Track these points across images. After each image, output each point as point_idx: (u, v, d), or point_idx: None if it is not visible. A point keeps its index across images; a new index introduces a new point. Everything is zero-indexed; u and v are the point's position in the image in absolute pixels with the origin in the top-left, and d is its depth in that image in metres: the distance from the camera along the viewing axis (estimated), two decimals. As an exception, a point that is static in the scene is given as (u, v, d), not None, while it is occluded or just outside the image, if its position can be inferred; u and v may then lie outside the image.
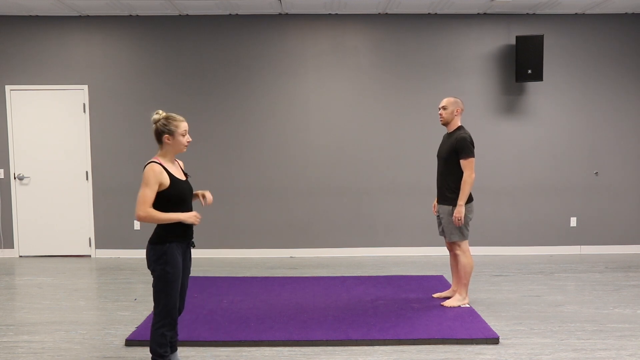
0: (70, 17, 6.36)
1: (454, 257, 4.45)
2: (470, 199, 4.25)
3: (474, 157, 4.18)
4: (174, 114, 2.96)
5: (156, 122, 2.92)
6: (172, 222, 2.84)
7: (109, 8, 6.07)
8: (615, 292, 4.84)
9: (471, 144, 4.20)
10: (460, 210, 4.15)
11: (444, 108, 4.33)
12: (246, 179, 6.50)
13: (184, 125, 2.94)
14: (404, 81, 6.44)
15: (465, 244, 4.29)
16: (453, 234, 4.26)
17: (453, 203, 4.22)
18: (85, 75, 6.41)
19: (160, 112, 2.94)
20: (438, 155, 4.45)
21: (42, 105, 6.45)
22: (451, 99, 4.33)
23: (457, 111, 4.31)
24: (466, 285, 4.32)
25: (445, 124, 4.37)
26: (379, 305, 4.42)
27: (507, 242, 6.46)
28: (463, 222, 4.18)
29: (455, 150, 4.21)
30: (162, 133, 2.91)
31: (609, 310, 4.33)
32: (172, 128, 2.91)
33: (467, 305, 4.34)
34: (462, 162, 4.17)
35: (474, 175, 4.16)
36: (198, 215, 2.91)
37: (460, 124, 4.34)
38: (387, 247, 6.52)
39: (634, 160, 6.52)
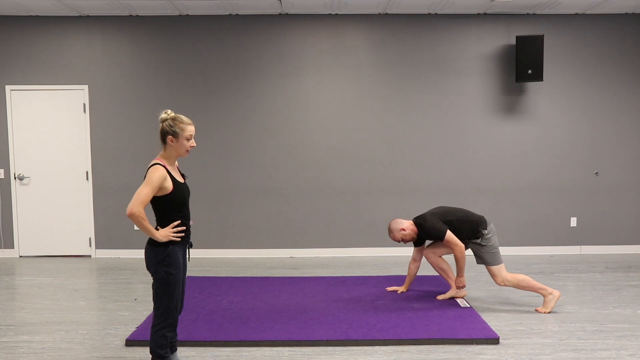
0: (70, 17, 6.36)
1: (434, 263, 4.60)
2: (484, 226, 4.30)
3: (447, 228, 4.28)
4: (182, 116, 2.88)
5: (163, 121, 2.86)
6: (148, 233, 2.76)
7: (109, 8, 6.07)
8: (615, 292, 4.84)
9: (433, 223, 4.29)
10: (461, 280, 4.38)
11: (401, 239, 4.46)
12: (246, 179, 6.50)
13: (190, 129, 2.87)
14: (404, 81, 6.43)
15: (497, 269, 4.24)
16: (485, 261, 4.32)
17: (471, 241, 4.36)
18: (85, 75, 6.41)
19: (169, 111, 2.88)
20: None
21: (42, 105, 6.45)
22: (390, 235, 4.48)
23: (401, 229, 4.43)
24: (540, 288, 4.24)
25: (412, 239, 4.50)
26: (379, 305, 4.42)
27: (507, 242, 6.45)
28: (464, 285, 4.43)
29: (436, 238, 4.37)
30: (167, 134, 2.85)
31: (609, 310, 4.33)
32: (177, 130, 2.84)
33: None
34: (444, 242, 4.30)
35: (460, 245, 4.25)
36: (171, 234, 2.83)
37: (412, 225, 4.45)
38: (387, 247, 6.51)
39: (634, 160, 6.52)
